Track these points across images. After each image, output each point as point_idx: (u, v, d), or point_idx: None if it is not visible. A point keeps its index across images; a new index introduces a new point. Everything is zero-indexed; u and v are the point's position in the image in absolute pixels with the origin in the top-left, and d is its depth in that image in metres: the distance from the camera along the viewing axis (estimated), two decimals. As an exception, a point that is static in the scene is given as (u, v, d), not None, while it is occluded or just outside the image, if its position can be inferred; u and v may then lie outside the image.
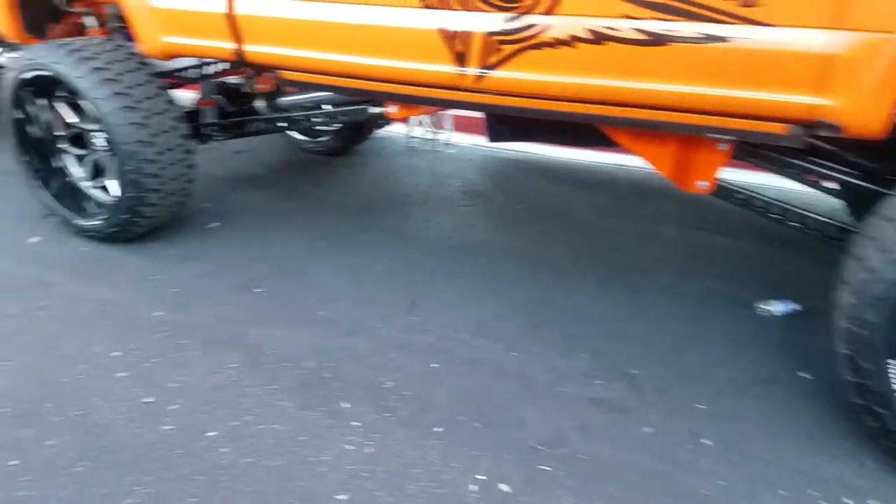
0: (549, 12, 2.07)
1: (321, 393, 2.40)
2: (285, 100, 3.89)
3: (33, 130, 3.50)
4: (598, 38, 2.01)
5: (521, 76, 2.20)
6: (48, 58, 3.10)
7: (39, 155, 3.55)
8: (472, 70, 2.30)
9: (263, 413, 2.29)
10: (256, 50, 2.79)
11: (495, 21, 2.19)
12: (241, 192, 4.23)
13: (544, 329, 2.80)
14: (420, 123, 5.34)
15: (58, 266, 3.24)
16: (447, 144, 5.32)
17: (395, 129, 5.40)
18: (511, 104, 2.33)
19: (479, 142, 5.26)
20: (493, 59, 2.24)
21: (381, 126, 4.92)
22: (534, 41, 2.12)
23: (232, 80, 4.04)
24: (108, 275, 3.17)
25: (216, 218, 3.82)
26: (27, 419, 2.23)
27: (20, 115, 3.41)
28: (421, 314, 2.90)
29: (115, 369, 2.49)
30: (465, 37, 2.25)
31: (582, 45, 2.05)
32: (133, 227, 3.35)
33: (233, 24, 2.78)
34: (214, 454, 2.10)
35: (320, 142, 4.94)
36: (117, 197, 3.29)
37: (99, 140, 3.33)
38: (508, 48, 2.19)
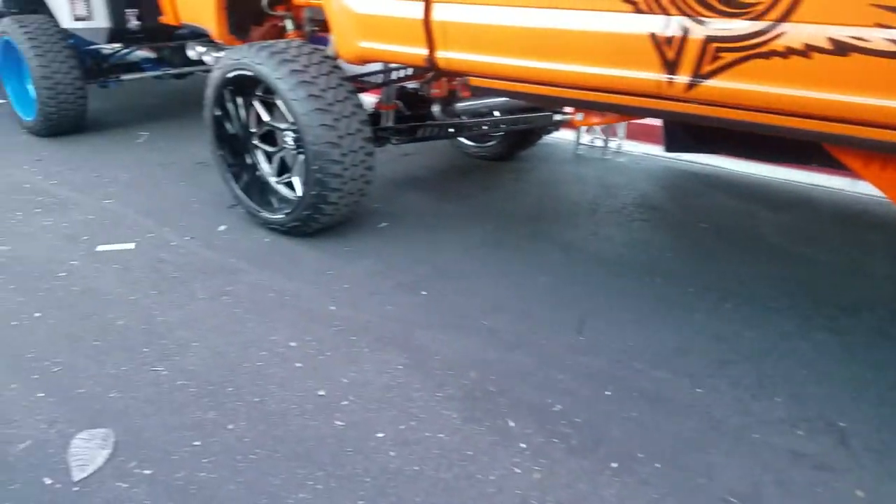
0: (783, 19, 1.85)
1: (486, 407, 2.32)
2: (461, 105, 3.88)
3: (229, 127, 3.74)
4: (842, 49, 1.76)
5: (740, 87, 1.98)
6: (252, 59, 3.29)
7: (233, 150, 3.79)
8: (682, 78, 2.11)
9: (429, 420, 2.25)
10: (449, 56, 2.77)
11: (717, 27, 1.99)
12: (408, 194, 4.28)
13: (733, 366, 2.54)
14: (589, 130, 5.15)
15: (243, 255, 3.43)
16: (618, 153, 5.09)
17: (562, 136, 5.26)
18: (724, 116, 2.11)
19: (653, 151, 4.99)
20: (708, 68, 2.04)
21: (548, 132, 4.80)
22: (761, 49, 1.90)
23: (410, 84, 4.10)
24: (288, 267, 3.30)
25: (384, 218, 3.88)
26: (210, 401, 2.34)
27: (219, 112, 3.67)
28: (590, 335, 2.74)
29: (292, 359, 2.57)
30: (680, 43, 2.07)
31: (819, 55, 1.80)
32: (313, 223, 3.48)
33: (428, 31, 2.79)
34: (383, 457, 2.08)
35: (486, 147, 4.90)
36: (301, 194, 3.43)
37: (289, 139, 3.50)
38: (729, 56, 1.98)
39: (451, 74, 3.35)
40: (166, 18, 4.19)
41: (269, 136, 3.81)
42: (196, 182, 4.47)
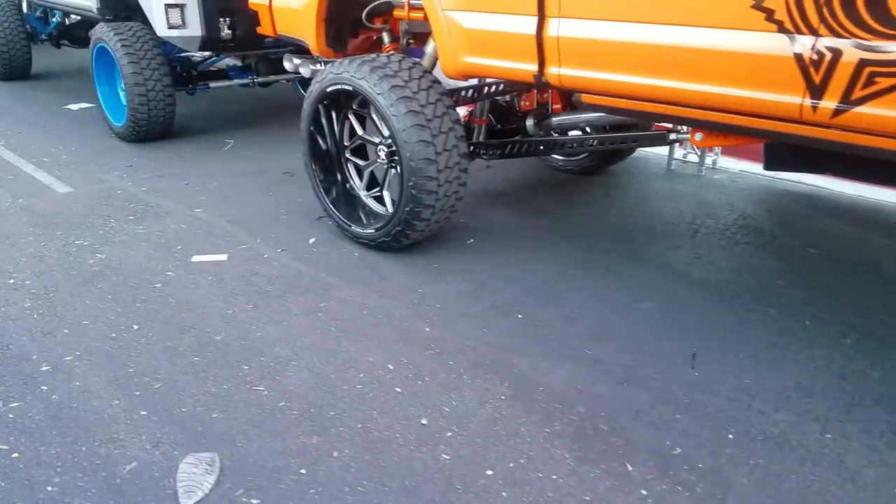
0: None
1: (599, 447, 2.19)
2: (556, 119, 3.76)
3: (322, 141, 3.72)
4: None
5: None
6: (353, 73, 3.25)
7: (324, 164, 3.77)
8: (828, 103, 1.95)
9: (539, 459, 2.14)
10: (562, 73, 2.66)
11: (874, 49, 1.82)
12: (493, 209, 4.18)
13: (862, 410, 2.34)
14: (682, 144, 4.94)
15: (334, 269, 3.39)
16: (713, 169, 4.87)
17: (652, 150, 5.07)
18: (870, 144, 1.94)
19: (751, 168, 4.74)
20: (860, 93, 1.87)
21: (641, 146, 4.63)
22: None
23: (500, 98, 4.01)
24: (379, 283, 3.25)
25: (471, 234, 3.79)
26: (312, 425, 2.29)
27: (315, 127, 3.65)
28: (704, 370, 2.57)
29: (391, 383, 2.50)
30: (829, 66, 1.90)
31: None
32: (403, 238, 3.42)
33: (540, 46, 2.68)
34: (495, 498, 1.98)
35: (574, 160, 4.76)
36: (394, 209, 3.37)
37: (382, 153, 3.45)
38: (887, 81, 1.80)
39: (561, 91, 3.25)
40: (263, 30, 4.21)
41: (361, 150, 3.79)
42: (283, 192, 4.48)
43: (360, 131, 3.65)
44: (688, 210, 4.12)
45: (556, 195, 4.43)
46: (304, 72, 3.97)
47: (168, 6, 4.91)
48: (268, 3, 4.00)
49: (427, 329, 2.85)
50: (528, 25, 2.72)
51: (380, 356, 2.66)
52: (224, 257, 3.51)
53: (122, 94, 5.75)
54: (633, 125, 3.75)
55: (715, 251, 3.57)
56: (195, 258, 3.50)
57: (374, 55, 3.36)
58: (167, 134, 5.65)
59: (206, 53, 5.53)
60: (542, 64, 2.74)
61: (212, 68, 6.09)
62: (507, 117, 4.17)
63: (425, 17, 3.36)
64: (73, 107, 6.82)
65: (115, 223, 3.95)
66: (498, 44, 2.87)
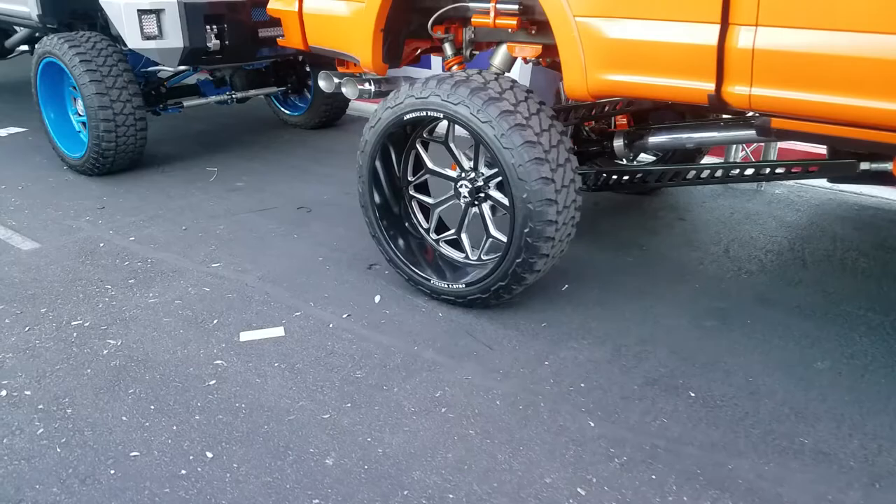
0: None
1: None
2: (654, 139, 3.22)
3: (387, 176, 3.03)
4: None
5: None
6: (446, 96, 2.59)
7: (385, 204, 3.08)
8: None
9: None
10: (754, 93, 2.11)
11: None
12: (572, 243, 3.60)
13: None
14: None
15: (425, 338, 2.72)
16: (759, 184, 4.47)
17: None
18: None
19: (809, 180, 4.38)
20: None
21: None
22: None
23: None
24: (490, 355, 2.61)
25: (562, 277, 3.20)
26: None
27: (382, 160, 2.95)
28: (948, 452, 2.09)
29: (591, 517, 1.88)
30: None
31: None
32: (506, 294, 2.79)
33: (720, 61, 2.13)
34: None
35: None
36: (495, 259, 2.74)
37: (464, 189, 2.82)
38: None
39: (739, 113, 2.72)
40: (288, 41, 3.45)
41: (422, 186, 3.13)
42: (309, 234, 3.73)
43: (429, 163, 2.99)
44: (778, 234, 3.69)
45: (623, 220, 3.90)
46: (349, 93, 3.24)
47: (142, 12, 4.04)
48: (297, 9, 3.25)
49: (592, 424, 2.24)
50: (706, 35, 2.15)
51: (557, 475, 2.02)
52: (280, 332, 2.76)
53: (74, 119, 4.80)
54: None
55: (837, 282, 3.14)
56: (243, 336, 2.73)
57: (461, 73, 2.71)
58: (135, 164, 4.74)
59: (181, 67, 4.65)
60: (720, 81, 2.18)
61: (180, 83, 5.20)
62: (579, 137, 3.61)
63: (519, 26, 2.75)
64: (1, 132, 5.73)
65: (115, 290, 3.11)
66: (654, 58, 2.28)
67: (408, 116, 2.74)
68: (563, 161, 2.61)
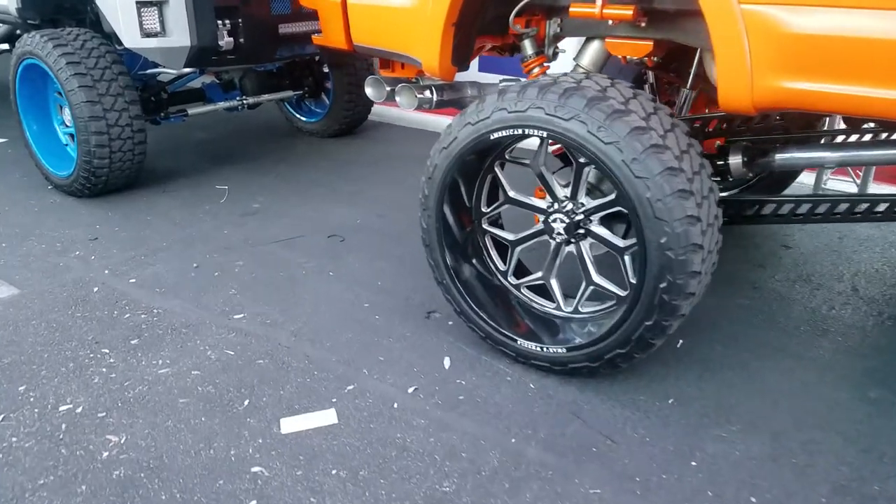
0: None
1: None
2: (784, 156, 2.59)
3: (457, 208, 2.40)
4: None
5: None
6: (552, 109, 1.95)
7: (454, 242, 2.44)
8: None
9: None
10: None
11: None
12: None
13: None
14: (833, 171, 3.91)
15: (522, 426, 2.09)
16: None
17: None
18: None
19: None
20: None
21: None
22: None
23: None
24: (616, 454, 1.98)
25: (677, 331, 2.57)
26: None
27: (451, 191, 2.32)
28: None
29: None
30: None
31: None
32: (623, 363, 2.16)
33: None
34: None
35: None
36: (613, 320, 2.10)
37: (557, 224, 2.19)
38: None
39: None
40: (328, 40, 2.80)
41: (496, 220, 2.51)
42: (346, 269, 3.09)
43: (511, 191, 2.36)
44: (913, 266, 3.08)
45: (733, 251, 3.27)
46: (406, 103, 2.58)
47: (141, 5, 3.38)
48: (340, 0, 2.60)
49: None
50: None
51: None
52: (332, 417, 2.12)
53: (60, 130, 4.14)
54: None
55: None
56: (285, 425, 2.09)
57: (564, 78, 2.08)
58: (133, 183, 4.08)
59: (186, 70, 3.99)
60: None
61: (183, 88, 4.54)
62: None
63: (635, 15, 2.12)
64: (-23, 144, 5.06)
65: (114, 357, 2.46)
66: (870, 60, 1.65)
67: (496, 135, 2.10)
68: (707, 192, 1.99)
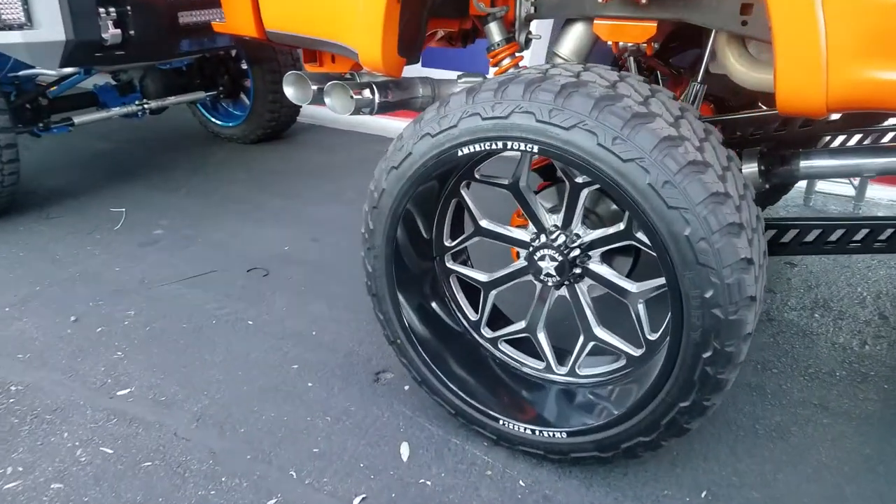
0: None
1: None
2: (809, 163, 2.10)
3: (414, 243, 1.81)
4: None
5: None
6: (545, 115, 1.38)
7: (412, 286, 1.85)
8: None
9: None
10: None
11: None
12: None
13: None
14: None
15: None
16: (856, 205, 3.47)
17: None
18: None
19: None
20: None
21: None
22: None
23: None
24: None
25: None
26: None
27: (405, 221, 1.72)
28: None
29: None
30: None
31: None
32: (643, 452, 1.62)
33: None
34: None
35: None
36: (646, 396, 1.55)
37: (546, 262, 1.64)
38: None
39: None
40: (232, 27, 2.15)
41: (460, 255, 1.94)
42: (271, 315, 2.46)
43: (484, 221, 1.78)
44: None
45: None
46: (340, 106, 1.93)
47: (-6, -14, 2.64)
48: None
49: None
50: None
51: None
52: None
53: None
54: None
55: None
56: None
57: (553, 72, 1.51)
58: (5, 209, 3.32)
59: (67, 70, 3.24)
60: None
61: (68, 92, 3.77)
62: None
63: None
64: None
65: (-61, 466, 1.75)
66: None
67: (466, 150, 1.51)
68: (755, 223, 1.46)
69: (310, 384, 2.09)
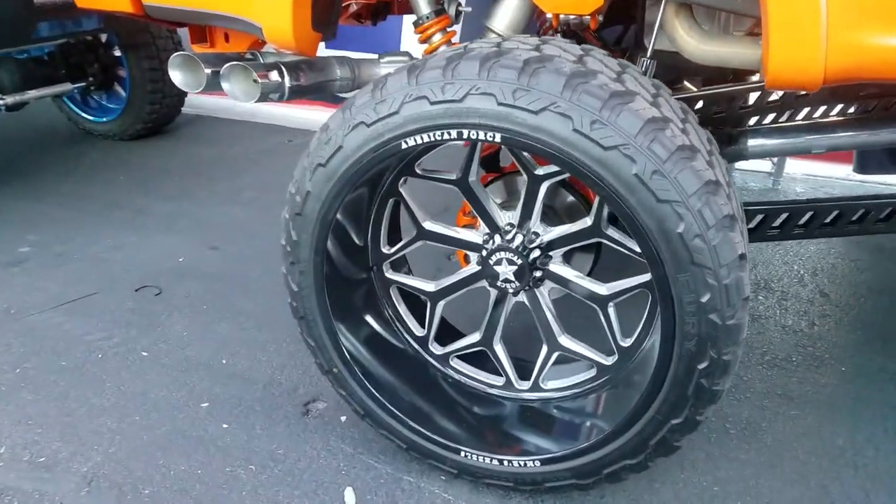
0: None
1: None
2: (757, 143, 2.00)
3: (346, 251, 1.53)
4: None
5: None
6: (508, 97, 1.15)
7: (345, 303, 1.58)
8: None
9: None
10: None
11: None
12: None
13: None
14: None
15: None
16: (776, 180, 3.50)
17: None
18: None
19: (819, 171, 3.46)
20: None
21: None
22: None
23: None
24: None
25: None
26: None
27: (336, 229, 1.44)
28: None
29: None
30: None
31: None
32: (626, 476, 1.43)
33: None
34: None
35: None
36: (632, 416, 1.36)
37: (503, 267, 1.42)
38: None
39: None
40: (101, 2, 1.75)
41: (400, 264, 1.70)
42: (169, 344, 2.11)
43: (428, 223, 1.52)
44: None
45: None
46: (242, 93, 1.60)
47: None
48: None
49: None
50: None
51: None
52: None
53: None
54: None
55: None
56: None
57: (516, 44, 1.27)
58: None
59: None
60: None
61: None
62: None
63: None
64: None
65: None
66: None
67: (411, 142, 1.25)
68: (741, 212, 1.30)
69: (225, 425, 1.77)
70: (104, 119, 3.99)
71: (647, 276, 1.29)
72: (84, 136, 4.10)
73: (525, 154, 1.32)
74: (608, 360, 1.50)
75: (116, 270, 2.55)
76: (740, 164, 3.50)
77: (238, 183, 3.37)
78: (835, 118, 2.08)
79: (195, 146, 3.96)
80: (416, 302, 1.66)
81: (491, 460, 1.48)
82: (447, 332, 1.69)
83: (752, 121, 2.34)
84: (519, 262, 1.42)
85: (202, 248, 2.73)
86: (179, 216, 3.01)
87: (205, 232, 2.86)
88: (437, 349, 1.66)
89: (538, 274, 1.46)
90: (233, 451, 1.68)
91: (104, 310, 2.30)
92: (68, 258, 2.66)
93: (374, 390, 1.55)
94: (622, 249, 1.37)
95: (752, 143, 1.97)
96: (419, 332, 1.67)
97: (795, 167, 3.49)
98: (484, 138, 1.21)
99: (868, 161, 2.53)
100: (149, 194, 3.27)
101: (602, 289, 1.43)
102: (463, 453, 1.51)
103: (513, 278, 1.45)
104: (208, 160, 3.72)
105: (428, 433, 1.53)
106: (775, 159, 3.36)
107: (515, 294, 1.51)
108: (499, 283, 1.47)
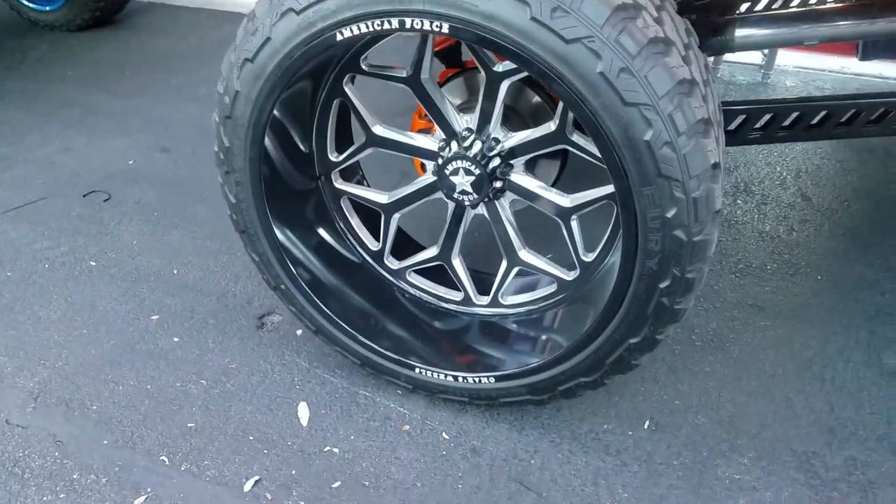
0: None
1: None
2: (745, 33, 1.84)
3: (287, 155, 1.40)
4: None
5: None
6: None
7: (291, 213, 1.47)
8: None
9: None
10: None
11: None
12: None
13: None
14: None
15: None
16: (765, 74, 3.31)
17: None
18: None
19: (810, 63, 3.28)
20: None
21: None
22: None
23: None
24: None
25: (648, 406, 1.84)
26: None
27: (274, 128, 1.30)
28: None
29: None
30: None
31: None
32: (581, 392, 1.39)
33: None
34: None
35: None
36: (589, 335, 1.29)
37: (461, 178, 1.31)
38: None
39: None
40: None
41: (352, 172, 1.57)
42: (119, 254, 2.00)
43: (378, 127, 1.39)
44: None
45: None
46: None
47: None
48: None
49: None
50: None
51: None
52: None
53: None
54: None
55: None
56: None
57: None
58: None
59: None
60: None
61: None
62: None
63: None
64: None
65: None
66: None
67: (347, 32, 1.10)
68: (719, 114, 1.17)
69: (176, 339, 1.70)
70: (48, 7, 3.68)
71: (612, 188, 1.18)
72: (29, 27, 3.80)
73: (482, 48, 1.17)
74: (569, 276, 1.42)
75: (63, 175, 2.40)
76: (728, 56, 3.31)
77: (194, 77, 3.15)
78: (833, 5, 1.91)
79: (148, 37, 3.69)
80: (371, 213, 1.55)
81: (445, 377, 1.43)
82: (405, 245, 1.59)
83: (744, 7, 2.18)
84: (477, 172, 1.30)
85: (154, 150, 2.57)
86: (129, 115, 2.82)
87: (158, 132, 2.69)
88: (393, 263, 1.57)
89: (498, 185, 1.34)
90: (184, 366, 1.62)
91: (51, 217, 2.17)
92: (14, 161, 2.50)
93: (324, 307, 1.47)
94: (588, 157, 1.25)
95: (740, 33, 1.81)
96: (374, 245, 1.57)
97: (787, 59, 3.30)
98: (430, 28, 1.05)
99: (872, 47, 2.39)
100: (100, 91, 3.05)
101: (566, 200, 1.32)
102: (417, 370, 1.45)
103: (470, 190, 1.33)
104: (162, 52, 3.47)
105: (382, 349, 1.47)
106: (766, 51, 3.17)
107: (474, 207, 1.40)
108: (456, 195, 1.36)
